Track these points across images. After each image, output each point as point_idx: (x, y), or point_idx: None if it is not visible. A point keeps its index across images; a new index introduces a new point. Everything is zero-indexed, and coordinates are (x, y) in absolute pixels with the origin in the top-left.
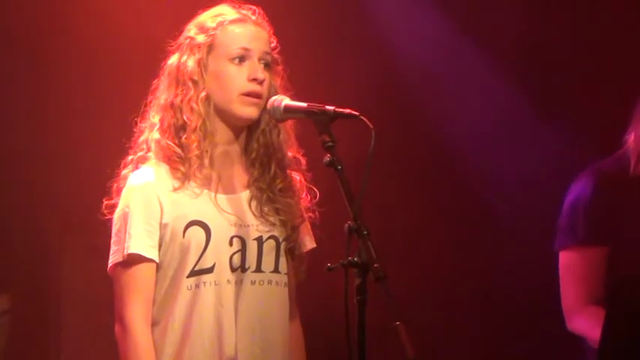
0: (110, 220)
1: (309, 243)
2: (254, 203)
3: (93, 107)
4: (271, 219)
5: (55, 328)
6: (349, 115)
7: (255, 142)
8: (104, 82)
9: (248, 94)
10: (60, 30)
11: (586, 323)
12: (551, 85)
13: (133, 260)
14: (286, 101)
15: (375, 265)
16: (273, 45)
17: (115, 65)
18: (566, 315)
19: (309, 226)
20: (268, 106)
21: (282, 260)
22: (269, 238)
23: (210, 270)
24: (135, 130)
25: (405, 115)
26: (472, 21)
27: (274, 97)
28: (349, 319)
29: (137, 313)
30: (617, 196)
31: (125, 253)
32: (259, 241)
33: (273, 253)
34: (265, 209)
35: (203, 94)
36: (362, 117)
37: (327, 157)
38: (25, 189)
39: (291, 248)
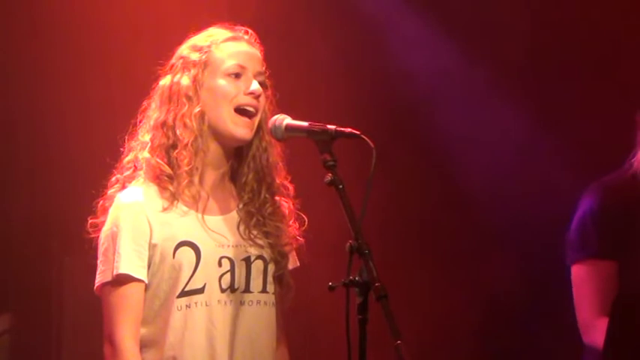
0: (96, 239)
1: (292, 263)
2: (242, 226)
3: (90, 128)
4: (260, 242)
5: (56, 347)
6: (350, 134)
7: (246, 167)
8: (100, 102)
9: (244, 108)
10: (53, 50)
11: (602, 338)
12: (557, 103)
13: (122, 280)
14: (287, 120)
15: (377, 284)
16: (264, 68)
17: (110, 85)
18: (582, 329)
19: (294, 250)
20: (270, 125)
21: (270, 281)
22: (257, 258)
23: (200, 290)
24: (122, 149)
25: (407, 134)
26: (479, 42)
27: (275, 117)
28: (350, 337)
29: (127, 333)
30: (624, 211)
31: (114, 273)
32: (247, 261)
33: (261, 274)
34: (254, 232)
35: (197, 109)
36: (363, 136)
37: (329, 176)
38: (25, 210)
39: (279, 276)
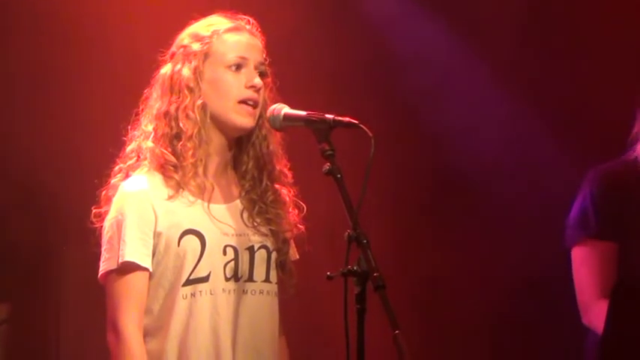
0: (100, 228)
1: (291, 255)
2: (246, 214)
3: (93, 118)
4: (263, 229)
5: (54, 338)
6: (349, 124)
7: (246, 155)
8: (102, 91)
9: (245, 101)
10: (55, 42)
11: (601, 321)
12: (554, 94)
13: (127, 268)
14: (286, 110)
15: (375, 274)
16: (265, 56)
17: (111, 74)
18: (581, 310)
19: (293, 241)
20: (268, 114)
21: (273, 270)
22: (260, 247)
23: (205, 279)
24: (125, 138)
25: (405, 123)
26: (476, 35)
27: (274, 106)
28: (348, 327)
29: (131, 321)
30: (625, 195)
31: (120, 261)
32: (251, 250)
33: (265, 263)
34: (257, 220)
35: (199, 101)
36: (361, 125)
37: (327, 166)
38: (24, 200)
39: (282, 262)
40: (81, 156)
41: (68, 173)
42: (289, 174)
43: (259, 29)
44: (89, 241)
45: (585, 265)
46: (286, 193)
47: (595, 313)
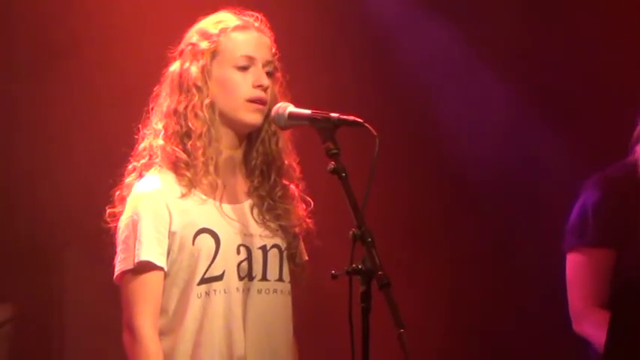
0: (112, 229)
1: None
2: (256, 211)
3: (94, 117)
4: (272, 225)
5: (57, 337)
6: (353, 123)
7: (255, 151)
8: (105, 90)
9: (253, 101)
10: (63, 40)
11: (593, 328)
12: (554, 90)
13: (143, 268)
14: (290, 108)
15: (379, 273)
16: (274, 52)
17: (116, 73)
18: (573, 317)
19: (302, 242)
20: (272, 113)
21: (286, 269)
22: (273, 247)
23: (219, 277)
24: (136, 137)
25: (409, 122)
26: (476, 30)
27: (279, 105)
28: (353, 326)
29: (146, 320)
30: (625, 201)
31: (136, 260)
32: (264, 249)
33: (277, 262)
34: (267, 216)
35: (207, 100)
36: (366, 124)
37: (332, 165)
38: (27, 198)
39: (292, 255)
40: (86, 155)
41: (72, 173)
42: (298, 168)
43: (268, 25)
44: (92, 240)
45: (580, 273)
46: (294, 188)
47: (588, 322)
